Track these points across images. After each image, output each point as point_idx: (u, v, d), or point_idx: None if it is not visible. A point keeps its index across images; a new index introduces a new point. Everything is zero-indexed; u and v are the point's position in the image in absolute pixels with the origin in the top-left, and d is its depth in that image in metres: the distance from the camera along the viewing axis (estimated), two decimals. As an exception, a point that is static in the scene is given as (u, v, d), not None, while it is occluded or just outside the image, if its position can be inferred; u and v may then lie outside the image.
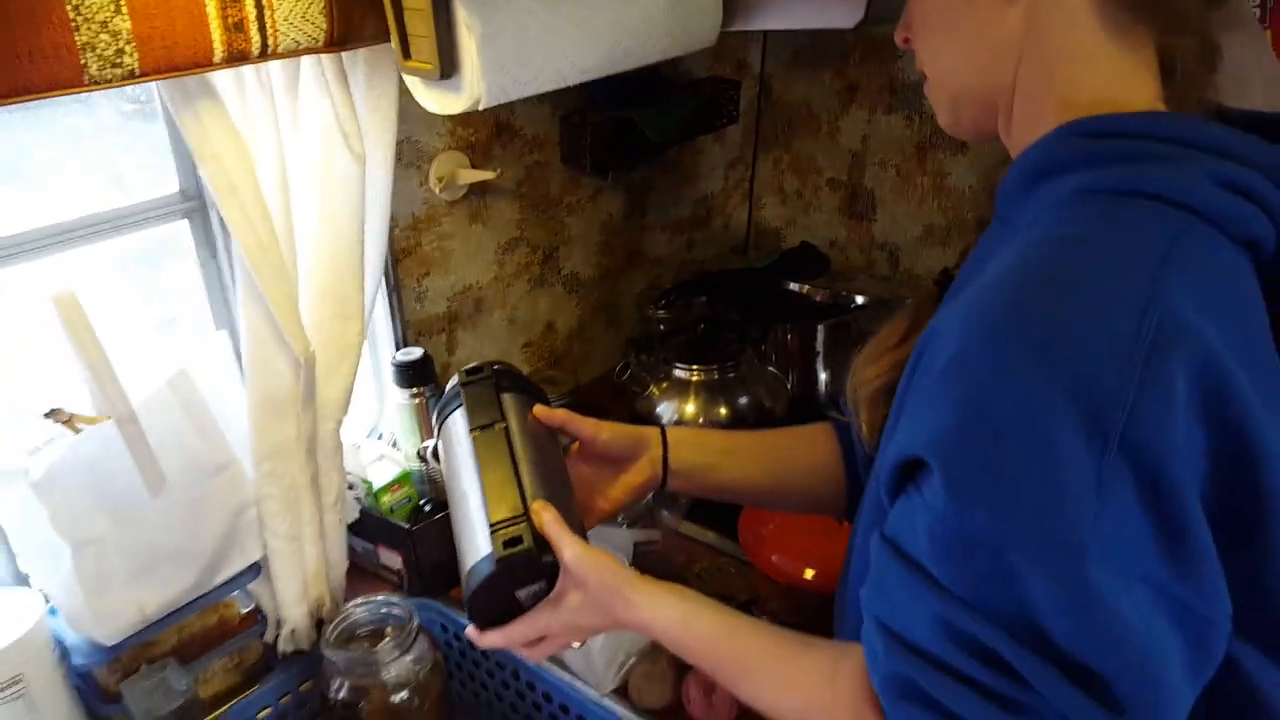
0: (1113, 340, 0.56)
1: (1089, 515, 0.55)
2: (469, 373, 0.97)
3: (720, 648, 0.78)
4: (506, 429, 0.91)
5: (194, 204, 1.20)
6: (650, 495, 1.09)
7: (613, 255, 1.73)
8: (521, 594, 0.85)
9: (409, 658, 1.12)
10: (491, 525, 0.83)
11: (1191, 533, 0.56)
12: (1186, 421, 0.56)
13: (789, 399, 1.54)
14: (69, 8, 0.80)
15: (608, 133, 1.50)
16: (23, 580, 1.16)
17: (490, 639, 0.88)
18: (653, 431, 1.00)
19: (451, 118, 1.33)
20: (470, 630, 0.89)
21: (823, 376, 1.62)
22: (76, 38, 0.81)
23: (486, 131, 1.40)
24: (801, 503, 1.08)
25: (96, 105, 1.16)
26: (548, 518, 0.83)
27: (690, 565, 1.34)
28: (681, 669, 1.17)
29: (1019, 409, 0.56)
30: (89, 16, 0.81)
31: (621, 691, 1.17)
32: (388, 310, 1.40)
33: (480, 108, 0.88)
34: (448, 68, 0.86)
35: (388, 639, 1.13)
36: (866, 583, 0.68)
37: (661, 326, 1.65)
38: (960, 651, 0.59)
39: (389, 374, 1.38)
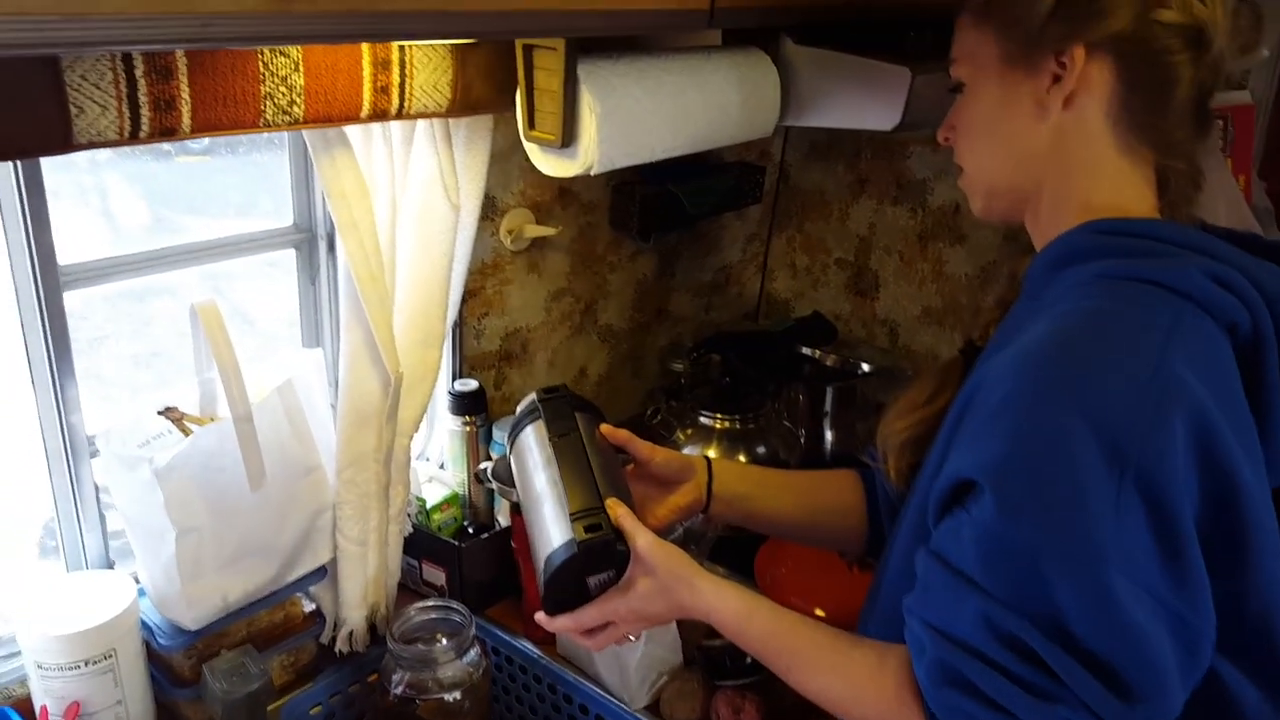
0: (1130, 390, 0.71)
1: (1110, 531, 0.69)
2: (545, 391, 1.09)
3: (778, 638, 0.89)
4: (580, 436, 1.03)
5: (303, 236, 1.34)
6: (693, 519, 1.21)
7: (643, 311, 1.89)
8: (592, 581, 0.95)
9: (464, 660, 1.23)
10: (572, 514, 0.93)
11: (1188, 555, 0.71)
12: (1185, 462, 0.71)
13: (802, 453, 1.69)
14: (260, 63, 0.95)
15: (653, 202, 1.66)
16: (109, 565, 1.27)
17: (561, 622, 0.97)
18: (700, 460, 1.13)
19: (524, 180, 1.49)
20: (540, 615, 0.98)
21: (829, 435, 1.77)
22: (262, 88, 0.96)
23: (551, 194, 1.56)
24: (826, 538, 1.21)
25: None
26: (621, 511, 0.94)
27: (709, 596, 1.46)
28: (711, 686, 1.28)
29: (1056, 440, 0.71)
30: (274, 71, 0.95)
31: (653, 708, 1.27)
32: (450, 343, 1.54)
33: (592, 173, 1.04)
34: (568, 139, 1.02)
35: (446, 641, 1.24)
36: (912, 593, 0.80)
37: (682, 379, 1.80)
38: (998, 644, 0.72)
39: (443, 402, 1.51)
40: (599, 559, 0.93)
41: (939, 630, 0.75)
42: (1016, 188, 0.90)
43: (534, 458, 1.04)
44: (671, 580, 0.92)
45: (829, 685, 0.86)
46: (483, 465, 1.43)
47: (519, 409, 1.11)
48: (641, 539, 0.93)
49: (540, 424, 1.05)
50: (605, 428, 1.07)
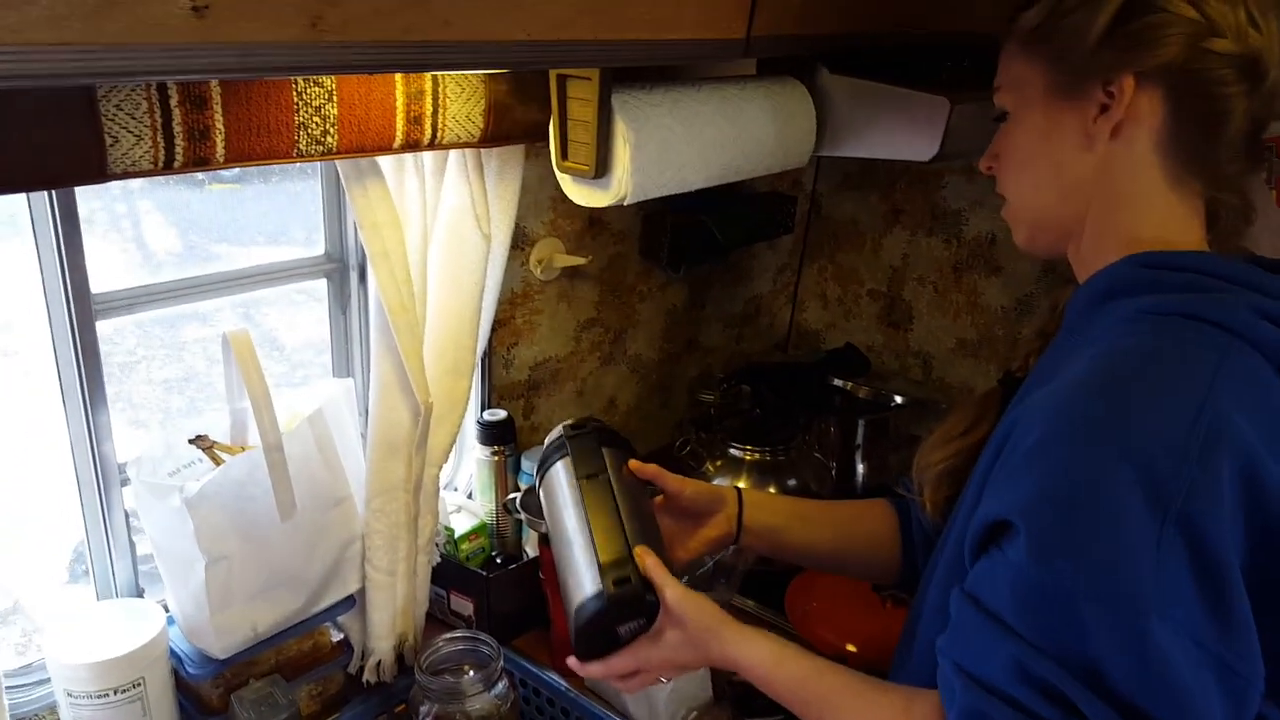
0: (1174, 431, 0.68)
1: (1150, 574, 0.66)
2: (573, 427, 1.08)
3: (808, 685, 0.88)
4: (609, 478, 1.02)
5: (335, 265, 1.34)
6: (724, 551, 1.19)
7: (673, 341, 1.88)
8: (622, 629, 0.95)
9: (493, 693, 1.21)
10: (601, 566, 0.93)
11: (1233, 601, 0.68)
12: (1231, 506, 0.68)
13: (833, 486, 1.66)
14: (294, 93, 0.95)
15: (683, 232, 1.66)
16: (139, 592, 1.27)
17: (592, 669, 0.97)
18: (730, 491, 1.11)
19: (554, 209, 1.49)
20: (572, 660, 0.98)
21: (861, 468, 1.75)
22: (296, 118, 0.96)
23: (581, 223, 1.55)
24: (859, 569, 1.19)
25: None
26: (650, 562, 0.93)
27: (740, 631, 1.44)
28: (739, 722, 1.26)
29: (1095, 481, 0.68)
30: (308, 101, 0.96)
31: (681, 742, 1.25)
32: (479, 373, 1.53)
33: (625, 204, 1.03)
34: (601, 169, 1.02)
35: (474, 673, 1.22)
36: (945, 633, 0.78)
37: (712, 410, 1.78)
38: (1030, 690, 0.69)
39: (471, 431, 1.51)
40: (628, 610, 0.93)
41: (970, 674, 0.73)
42: (1061, 219, 0.88)
43: (562, 497, 1.03)
44: (700, 632, 0.92)
45: None
46: (511, 496, 1.43)
47: (547, 442, 1.10)
48: (670, 591, 0.92)
49: (568, 462, 1.05)
50: (634, 464, 1.06)
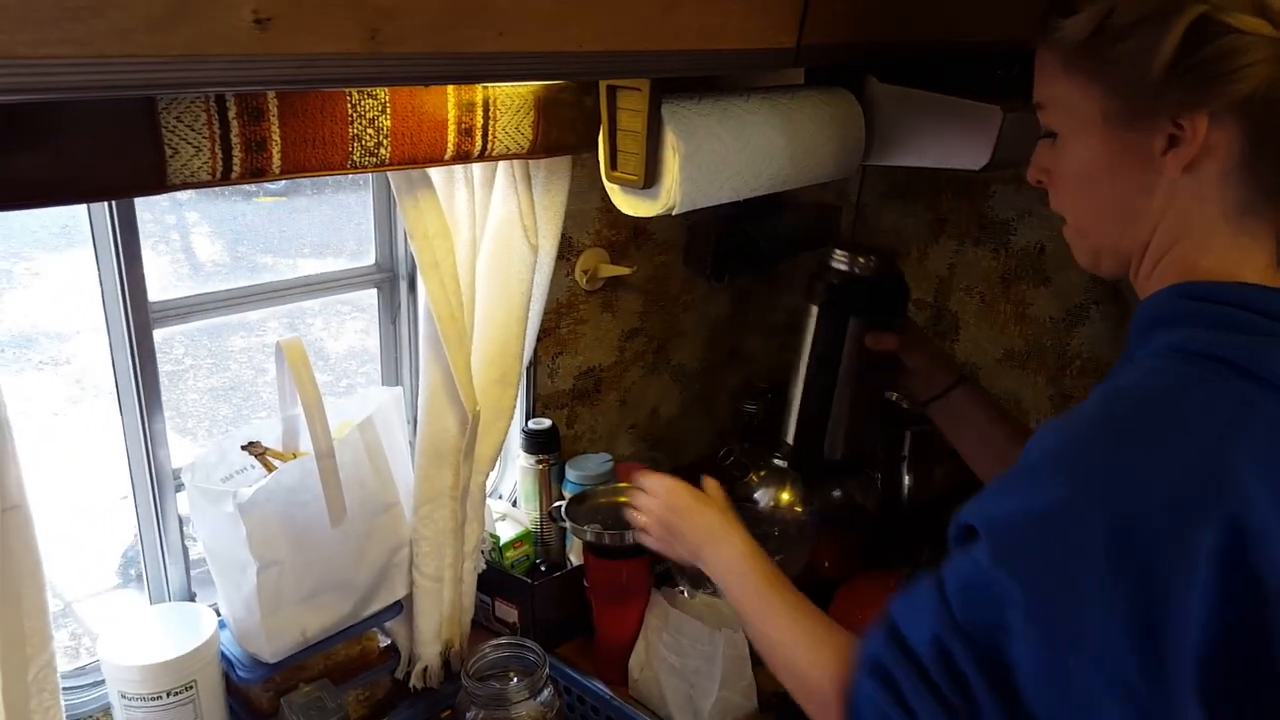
0: (1164, 485, 0.66)
1: (1092, 619, 0.66)
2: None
3: (775, 587, 0.96)
4: None
5: (385, 275, 1.36)
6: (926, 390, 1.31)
7: (716, 351, 1.87)
8: None
9: (538, 700, 1.22)
10: None
11: (1173, 671, 0.65)
12: (1207, 572, 0.64)
13: (879, 497, 1.65)
14: (349, 105, 0.96)
15: (727, 242, 1.66)
16: (191, 596, 1.29)
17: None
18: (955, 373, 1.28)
19: (599, 220, 1.49)
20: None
21: (907, 480, 1.73)
22: (350, 130, 0.97)
23: (626, 233, 1.56)
24: None
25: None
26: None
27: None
28: (785, 732, 1.25)
29: (1063, 520, 0.67)
30: (362, 113, 0.97)
31: (725, 750, 1.25)
32: (524, 382, 1.54)
33: (673, 214, 1.03)
34: (650, 179, 1.02)
35: (519, 680, 1.23)
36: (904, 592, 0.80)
37: (755, 420, 1.77)
38: (939, 663, 0.71)
39: (516, 440, 1.51)
40: None
41: (896, 628, 0.76)
42: (1124, 245, 0.82)
43: None
44: (703, 530, 1.04)
45: (795, 641, 0.90)
46: (556, 504, 1.43)
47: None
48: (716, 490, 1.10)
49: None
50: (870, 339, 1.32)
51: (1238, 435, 0.66)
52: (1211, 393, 0.69)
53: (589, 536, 1.29)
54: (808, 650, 0.89)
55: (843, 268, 1.41)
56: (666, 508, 1.09)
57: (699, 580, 1.47)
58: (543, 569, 1.49)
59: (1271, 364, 0.69)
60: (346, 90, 0.94)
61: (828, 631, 0.89)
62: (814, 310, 1.43)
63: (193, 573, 1.28)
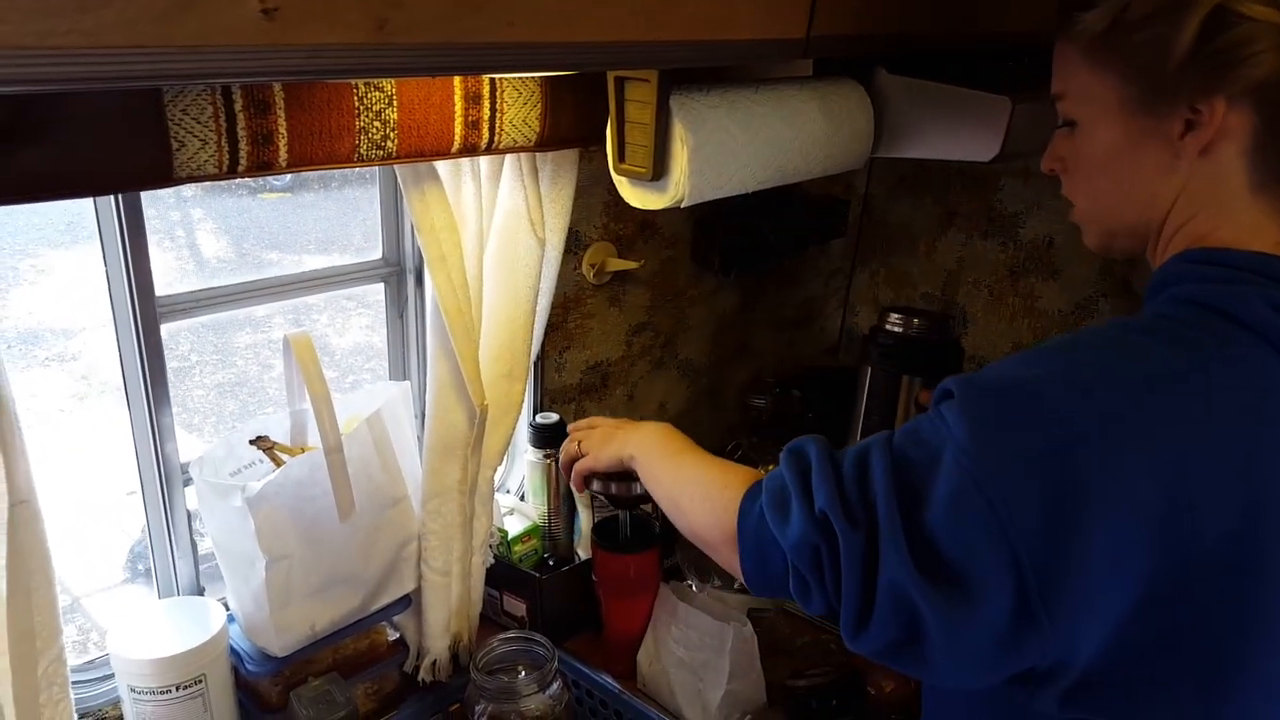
0: (1113, 396, 0.68)
1: (1009, 481, 0.67)
2: None
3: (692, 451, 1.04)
4: None
5: (392, 270, 1.36)
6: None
7: (723, 346, 1.87)
8: None
9: (547, 693, 1.21)
10: None
11: (1074, 574, 0.66)
12: (1137, 503, 0.66)
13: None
14: (355, 98, 0.96)
15: (735, 236, 1.65)
16: (200, 590, 1.29)
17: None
18: None
19: (606, 213, 1.49)
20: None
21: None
22: (357, 122, 0.97)
23: (633, 227, 1.55)
24: None
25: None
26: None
27: (794, 638, 1.43)
28: (793, 726, 1.25)
29: (1036, 384, 0.70)
30: (369, 106, 0.97)
31: (734, 745, 1.25)
32: (531, 376, 1.54)
33: (681, 206, 1.03)
34: (658, 171, 1.01)
35: (528, 673, 1.23)
36: None
37: (763, 415, 1.77)
38: (855, 470, 0.73)
39: (523, 434, 1.51)
40: None
41: (831, 448, 0.79)
42: (1140, 225, 0.85)
43: None
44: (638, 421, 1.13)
45: (710, 475, 0.95)
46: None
47: None
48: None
49: None
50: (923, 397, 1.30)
51: (1207, 368, 0.70)
52: (1190, 327, 0.73)
53: (595, 487, 1.27)
54: (721, 473, 0.94)
55: (897, 330, 1.50)
56: (589, 425, 1.17)
57: (707, 573, 1.47)
58: (551, 563, 1.49)
59: (1246, 308, 0.72)
60: (353, 83, 0.94)
61: (745, 468, 0.94)
62: (869, 370, 1.52)
63: (201, 567, 1.28)
